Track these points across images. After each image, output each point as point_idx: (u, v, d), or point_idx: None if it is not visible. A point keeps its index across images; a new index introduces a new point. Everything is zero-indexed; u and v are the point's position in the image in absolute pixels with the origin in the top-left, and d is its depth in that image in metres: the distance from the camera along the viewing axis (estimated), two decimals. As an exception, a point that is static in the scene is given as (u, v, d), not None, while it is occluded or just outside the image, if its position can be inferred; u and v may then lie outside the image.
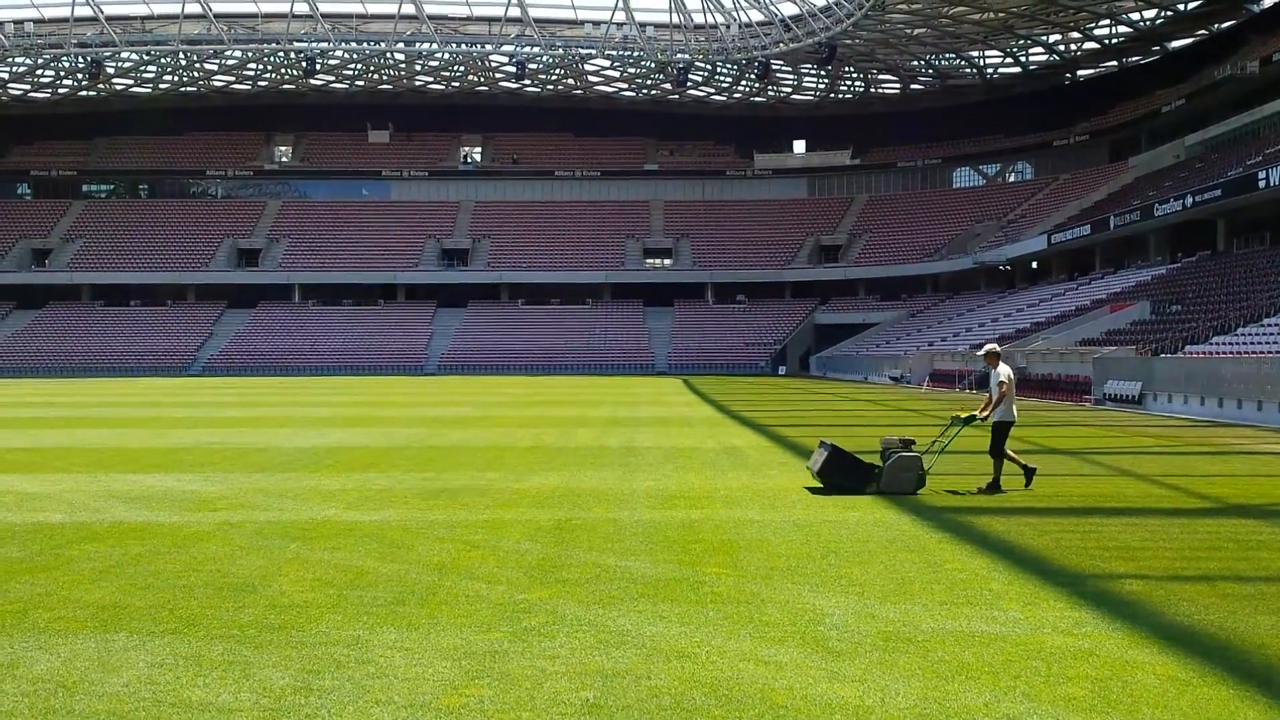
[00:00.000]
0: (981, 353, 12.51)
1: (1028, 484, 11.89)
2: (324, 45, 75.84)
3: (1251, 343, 29.68)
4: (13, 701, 4.95)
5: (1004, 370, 11.88)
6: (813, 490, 11.86)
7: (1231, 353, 29.35)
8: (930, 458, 12.07)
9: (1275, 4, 57.88)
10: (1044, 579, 7.41)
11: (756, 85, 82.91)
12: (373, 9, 74.68)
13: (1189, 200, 47.61)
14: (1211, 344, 31.57)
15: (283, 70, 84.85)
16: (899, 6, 61.26)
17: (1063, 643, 5.84)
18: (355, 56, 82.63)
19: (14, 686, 5.15)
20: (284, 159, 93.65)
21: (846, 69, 79.38)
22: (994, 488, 11.71)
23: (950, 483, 12.28)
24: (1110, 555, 8.25)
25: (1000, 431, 11.77)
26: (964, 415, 12.10)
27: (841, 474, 11.73)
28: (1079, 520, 9.99)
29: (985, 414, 11.89)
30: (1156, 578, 7.50)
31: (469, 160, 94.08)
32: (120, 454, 16.56)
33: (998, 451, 11.78)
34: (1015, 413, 12.01)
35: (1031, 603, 6.73)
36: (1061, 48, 70.83)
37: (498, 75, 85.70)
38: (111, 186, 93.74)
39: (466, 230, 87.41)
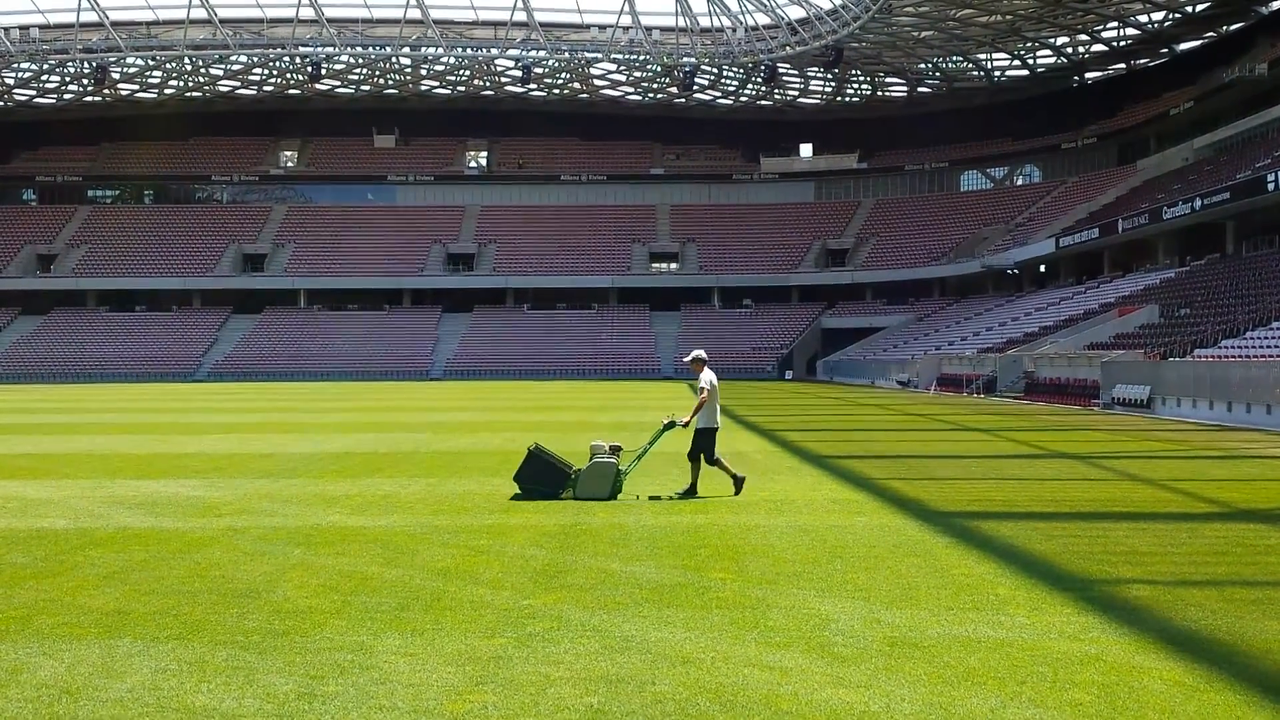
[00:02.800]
0: (688, 359, 12.49)
1: (737, 491, 11.83)
2: (329, 50, 75.97)
3: (1261, 346, 29.57)
4: (16, 707, 4.94)
5: (705, 377, 11.91)
6: (514, 497, 11.74)
7: (1240, 356, 29.25)
8: (634, 462, 12.22)
9: (1283, 6, 57.77)
10: (1051, 584, 7.38)
11: (763, 89, 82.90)
12: (378, 13, 74.83)
13: (1198, 203, 47.48)
14: (1220, 348, 31.46)
15: (288, 75, 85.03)
16: (906, 9, 61.21)
17: (1069, 648, 5.81)
18: (361, 61, 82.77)
19: (18, 692, 5.15)
20: (289, 164, 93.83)
21: (853, 72, 79.33)
22: (690, 491, 11.78)
23: (656, 487, 12.32)
24: (1117, 560, 8.22)
25: (701, 438, 11.78)
26: (670, 420, 12.14)
27: (536, 479, 11.73)
28: (1086, 525, 9.96)
29: (687, 420, 11.90)
30: (1164, 583, 7.46)
31: (475, 165, 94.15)
32: (125, 460, 16.58)
33: (695, 455, 11.82)
34: (719, 419, 12.03)
35: (1038, 608, 6.70)
36: (1069, 50, 70.69)
37: (503, 79, 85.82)
38: (117, 192, 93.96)
39: (472, 235, 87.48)
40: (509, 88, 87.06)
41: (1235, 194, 44.78)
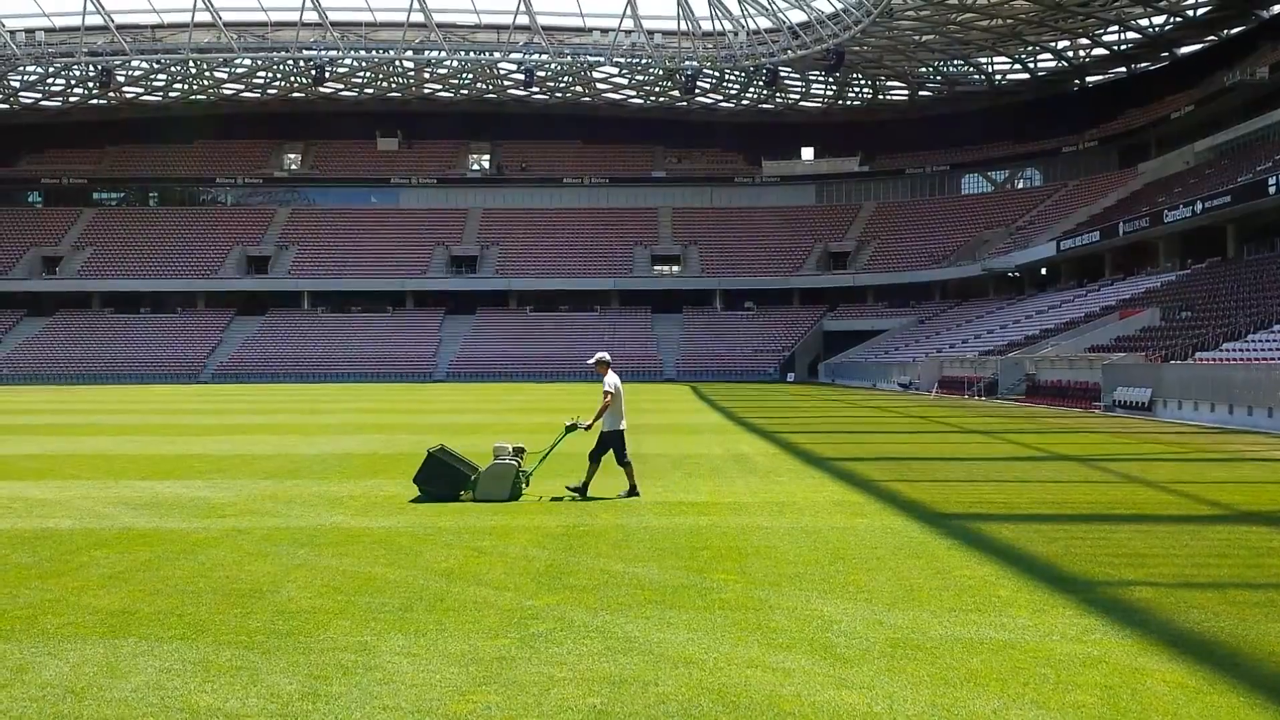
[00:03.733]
0: (592, 361, 12.54)
1: (577, 492, 11.91)
2: (333, 53, 76.06)
3: (1262, 349, 29.56)
4: (22, 707, 4.96)
5: (609, 380, 11.94)
6: (413, 500, 11.74)
7: (1242, 359, 29.23)
8: (535, 464, 12.34)
9: (1285, 10, 57.78)
10: (1053, 586, 7.39)
11: (764, 92, 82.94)
12: (382, 17, 74.95)
13: (1199, 206, 47.46)
14: (1221, 350, 31.44)
15: (292, 78, 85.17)
16: (907, 13, 61.25)
17: (1072, 650, 5.82)
18: (364, 64, 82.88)
19: (23, 692, 5.17)
20: (293, 167, 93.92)
21: (854, 76, 79.37)
22: (583, 490, 11.87)
23: (558, 489, 12.36)
24: (1120, 562, 8.22)
25: (605, 440, 11.85)
26: (572, 423, 12.23)
27: (435, 481, 11.78)
28: (1089, 527, 9.96)
29: (589, 423, 11.97)
30: (1166, 585, 7.47)
31: (477, 168, 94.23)
32: (129, 461, 16.61)
33: (595, 456, 11.91)
34: (624, 422, 12.06)
35: (1040, 609, 6.71)
36: (1070, 54, 70.71)
37: (506, 83, 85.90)
38: (122, 194, 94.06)
39: (475, 237, 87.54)
40: (512, 91, 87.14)
41: (1236, 197, 44.76)
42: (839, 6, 63.38)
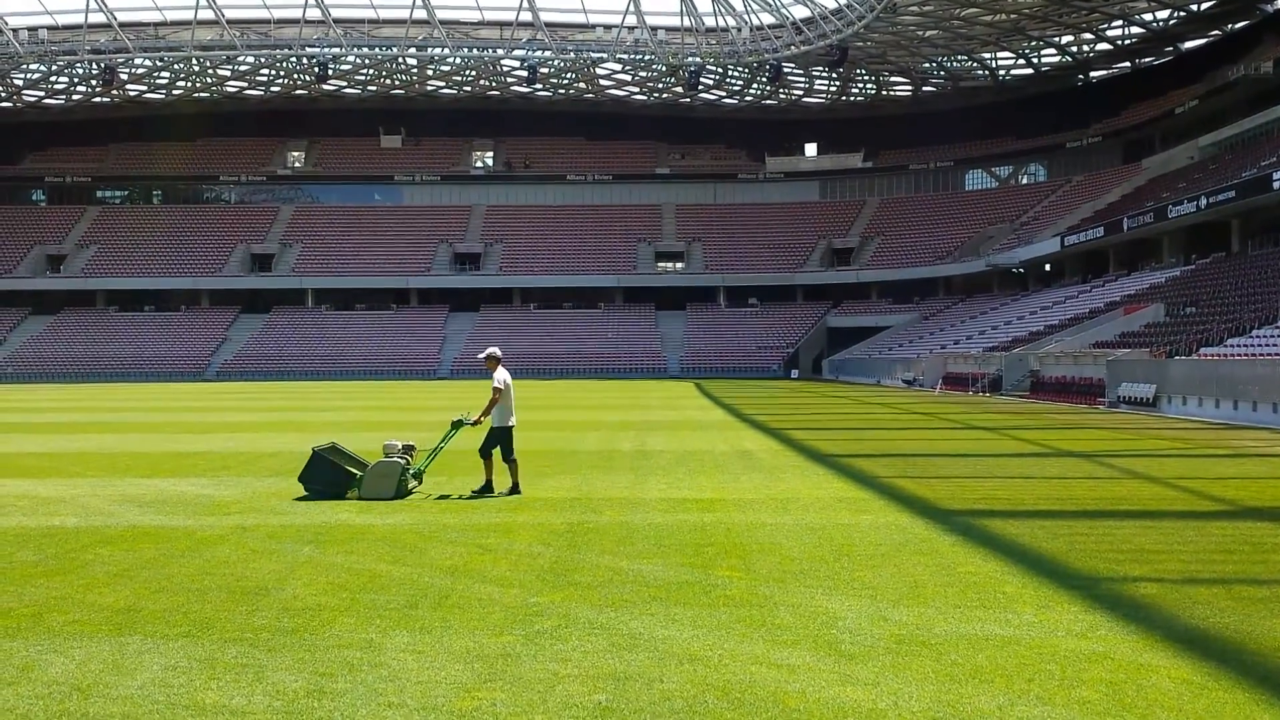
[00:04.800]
0: (482, 356, 12.53)
1: (480, 493, 11.90)
2: (336, 50, 76.09)
3: (1266, 345, 29.51)
4: (28, 704, 4.98)
5: (499, 376, 11.90)
6: (298, 498, 11.71)
7: (1246, 355, 29.18)
8: (428, 460, 12.33)
9: (1289, 4, 57.63)
10: (1058, 582, 7.38)
11: (768, 88, 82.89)
12: (385, 14, 74.99)
13: (1203, 201, 47.37)
14: (1226, 346, 31.40)
15: (295, 75, 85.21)
16: (910, 8, 61.15)
17: (1077, 646, 5.82)
18: (367, 61, 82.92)
19: (29, 689, 5.18)
20: (297, 164, 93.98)
21: (858, 71, 79.29)
22: (486, 489, 11.90)
23: (447, 486, 12.42)
24: (1124, 558, 8.21)
25: (494, 435, 11.85)
26: (459, 418, 12.21)
27: (320, 480, 11.77)
28: (1093, 523, 9.95)
29: (477, 418, 11.95)
30: (1171, 581, 7.46)
31: (481, 164, 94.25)
32: (134, 458, 16.63)
33: (485, 452, 11.92)
34: (513, 418, 12.06)
35: (1045, 606, 6.70)
36: (1074, 49, 70.59)
37: (509, 79, 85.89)
38: (125, 192, 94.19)
39: (479, 234, 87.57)
40: (515, 88, 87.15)
41: (1241, 192, 44.68)
42: (842, 2, 63.32)
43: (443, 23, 72.68)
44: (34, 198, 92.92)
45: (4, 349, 75.38)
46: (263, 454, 17.25)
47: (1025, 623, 6.30)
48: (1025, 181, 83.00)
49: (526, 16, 70.88)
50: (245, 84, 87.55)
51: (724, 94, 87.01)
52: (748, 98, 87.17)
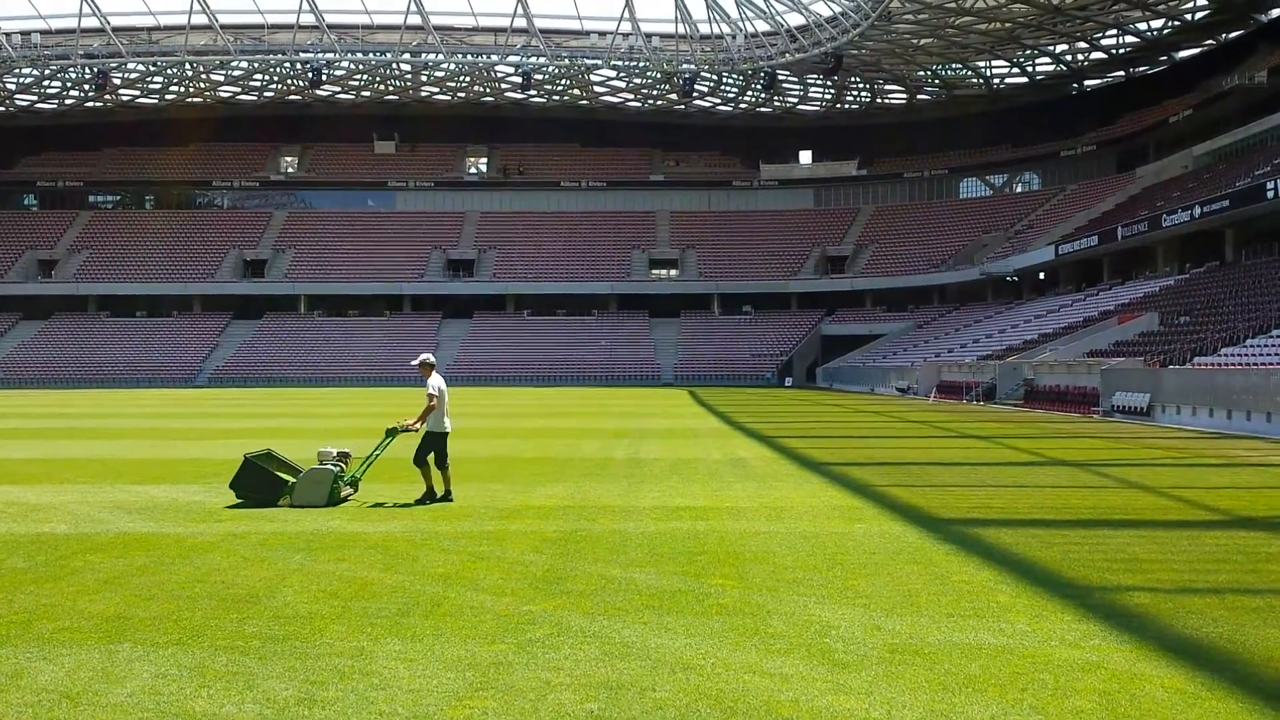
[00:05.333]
0: (416, 363, 12.57)
1: (423, 500, 11.87)
2: (330, 56, 76.10)
3: (1260, 354, 29.57)
4: (16, 712, 4.94)
5: (432, 382, 11.92)
6: (230, 506, 11.68)
7: (1240, 364, 29.24)
8: (363, 467, 12.33)
9: (1282, 14, 57.88)
10: (1052, 591, 7.37)
11: (762, 96, 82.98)
12: (379, 20, 74.94)
13: (1197, 211, 47.51)
14: (1220, 355, 31.45)
15: (289, 81, 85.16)
16: (905, 17, 61.31)
17: (1070, 655, 5.81)
18: (361, 67, 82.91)
19: (18, 697, 5.14)
20: (290, 170, 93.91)
21: (853, 79, 79.45)
22: (428, 497, 11.88)
23: (381, 495, 12.41)
24: (1118, 567, 8.21)
25: (428, 442, 11.84)
26: (394, 426, 12.23)
27: (252, 487, 11.74)
28: (1087, 532, 9.95)
29: (412, 424, 11.96)
30: (1165, 590, 7.46)
31: (475, 171, 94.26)
32: (125, 465, 16.57)
33: (419, 460, 11.89)
34: (448, 424, 12.07)
35: (1039, 615, 6.70)
36: (1068, 58, 70.81)
37: (504, 86, 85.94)
38: (117, 197, 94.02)
39: (472, 241, 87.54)
40: (509, 94, 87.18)
41: (1235, 201, 44.81)
42: (837, 10, 63.46)
43: (437, 29, 72.70)
44: (26, 202, 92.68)
45: (-4, 354, 75.14)
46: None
47: (1019, 632, 6.29)
48: (1019, 190, 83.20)
49: (521, 23, 70.95)
50: (239, 89, 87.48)
51: (718, 101, 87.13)
52: (742, 105, 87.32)
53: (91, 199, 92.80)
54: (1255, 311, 35.63)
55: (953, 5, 59.06)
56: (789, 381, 71.64)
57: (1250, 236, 48.41)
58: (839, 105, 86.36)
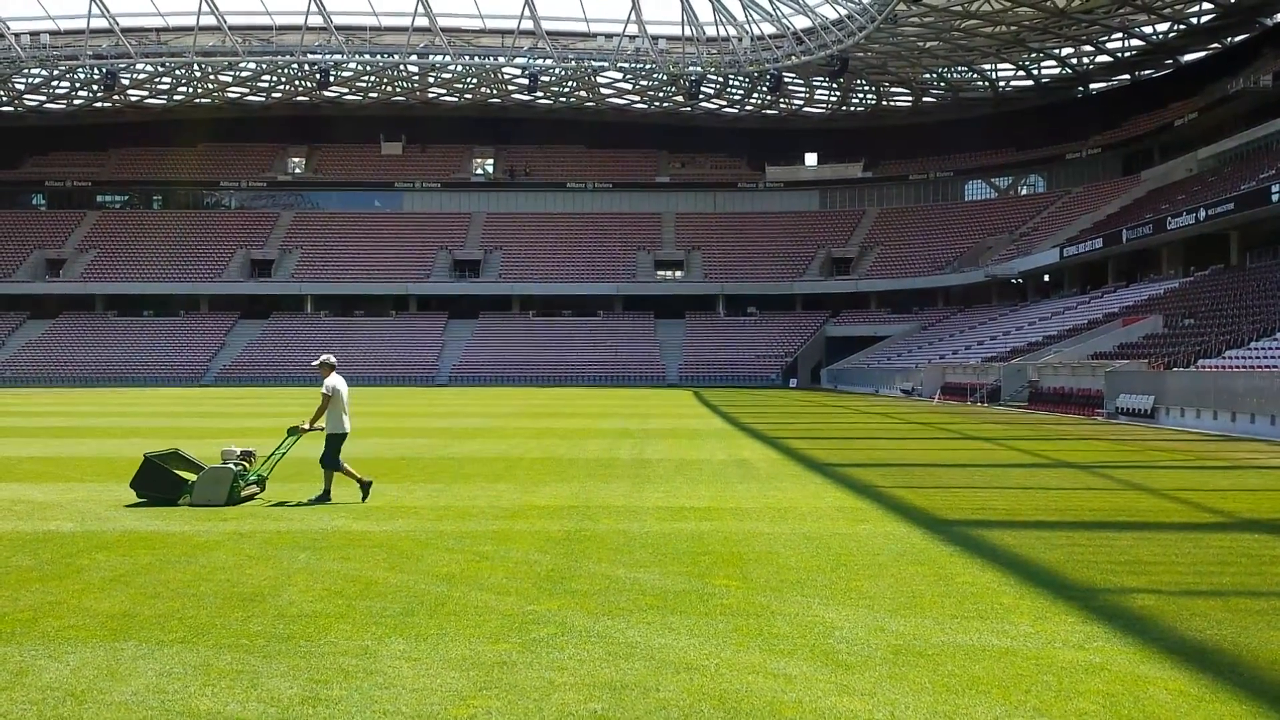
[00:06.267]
0: (315, 363, 12.55)
1: (365, 496, 11.92)
2: (338, 57, 76.23)
3: (1265, 357, 29.53)
4: (21, 710, 4.96)
5: (327, 382, 11.91)
6: (129, 505, 11.68)
7: (1245, 367, 29.20)
8: (268, 466, 12.35)
9: (1289, 18, 57.77)
10: (1055, 593, 7.37)
11: (768, 98, 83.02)
12: (386, 22, 75.14)
13: (1202, 214, 47.45)
14: (1224, 358, 31.41)
15: (296, 82, 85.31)
16: (911, 19, 61.29)
17: (1074, 657, 5.81)
18: (369, 69, 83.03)
19: (23, 695, 5.16)
20: (297, 170, 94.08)
21: (858, 82, 79.44)
22: (324, 498, 11.85)
23: (285, 494, 12.41)
24: (1122, 570, 8.21)
25: (330, 443, 11.85)
26: (295, 426, 12.25)
27: (151, 486, 11.75)
28: (1091, 534, 9.94)
29: (308, 424, 11.98)
30: (1169, 592, 7.45)
31: (481, 172, 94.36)
32: (131, 463, 16.55)
33: (327, 462, 11.85)
34: (347, 424, 12.04)
35: (1043, 617, 6.69)
36: (1074, 61, 70.74)
37: (510, 87, 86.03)
38: (125, 197, 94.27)
39: (478, 242, 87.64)
40: (516, 96, 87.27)
41: (1240, 205, 44.75)
42: (843, 13, 63.46)
43: (444, 31, 72.81)
44: (34, 202, 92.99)
45: (2, 353, 75.34)
46: (258, 459, 17.18)
47: (1022, 634, 6.29)
48: (1024, 192, 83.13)
49: (528, 25, 71.02)
50: (247, 90, 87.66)
51: (724, 103, 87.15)
52: (748, 107, 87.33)
53: (99, 199, 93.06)
54: (1260, 314, 35.57)
55: (958, 8, 59.04)
56: (794, 383, 71.61)
57: (1255, 239, 48.34)
58: (844, 107, 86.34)
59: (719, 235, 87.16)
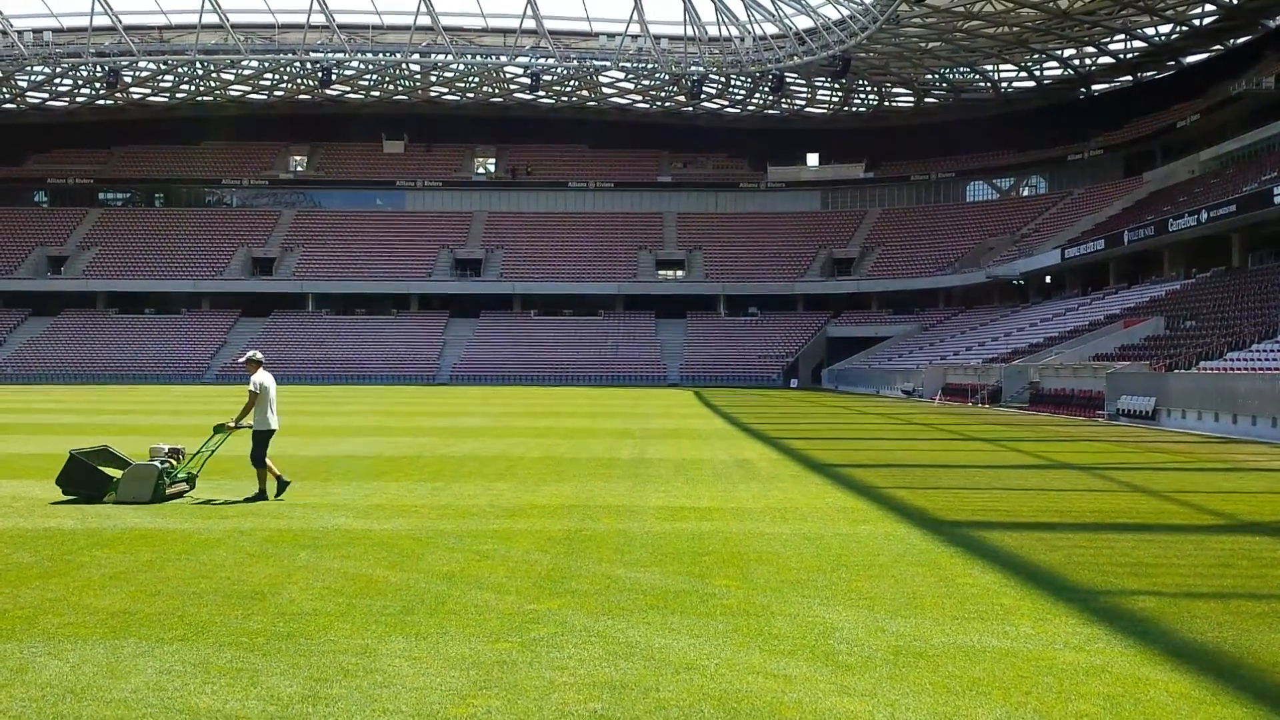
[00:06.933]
0: (242, 360, 12.60)
1: (279, 494, 11.98)
2: (340, 56, 76.23)
3: (1266, 359, 29.51)
4: (21, 706, 4.96)
5: (254, 379, 11.95)
6: (56, 503, 11.63)
7: (1246, 369, 29.18)
8: (197, 462, 12.38)
9: (1292, 20, 57.73)
10: (1056, 594, 7.36)
11: (770, 98, 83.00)
12: (389, 20, 75.14)
13: (1204, 215, 47.42)
14: (1226, 360, 31.40)
15: (299, 80, 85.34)
16: (913, 20, 61.27)
17: (1075, 659, 5.80)
18: (371, 67, 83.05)
19: (23, 692, 5.16)
20: (299, 169, 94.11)
21: (860, 82, 79.41)
22: (260, 496, 11.85)
23: (216, 492, 12.45)
24: (1123, 571, 8.20)
25: (257, 439, 11.88)
26: (221, 423, 12.35)
27: (77, 483, 11.77)
28: (1091, 536, 9.94)
29: (234, 422, 12.03)
30: (1169, 594, 7.44)
31: (483, 171, 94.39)
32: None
33: (256, 459, 11.89)
34: (274, 421, 12.07)
35: (1043, 618, 6.69)
36: (1076, 62, 70.71)
37: (512, 86, 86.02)
38: (127, 195, 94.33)
39: (480, 241, 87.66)
40: (518, 95, 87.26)
41: (1242, 207, 44.74)
42: (845, 13, 63.44)
43: (446, 30, 72.80)
44: (36, 199, 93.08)
45: (4, 350, 75.40)
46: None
47: (1023, 635, 6.29)
48: (1026, 194, 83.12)
49: (530, 24, 71.01)
50: (249, 88, 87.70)
51: (726, 103, 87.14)
52: (750, 107, 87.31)
53: (102, 196, 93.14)
54: (1261, 316, 35.55)
55: (961, 9, 59.01)
56: (794, 383, 71.60)
57: (1257, 241, 48.32)
58: (846, 108, 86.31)
59: (720, 235, 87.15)
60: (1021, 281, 69.30)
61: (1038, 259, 64.57)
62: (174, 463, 12.11)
